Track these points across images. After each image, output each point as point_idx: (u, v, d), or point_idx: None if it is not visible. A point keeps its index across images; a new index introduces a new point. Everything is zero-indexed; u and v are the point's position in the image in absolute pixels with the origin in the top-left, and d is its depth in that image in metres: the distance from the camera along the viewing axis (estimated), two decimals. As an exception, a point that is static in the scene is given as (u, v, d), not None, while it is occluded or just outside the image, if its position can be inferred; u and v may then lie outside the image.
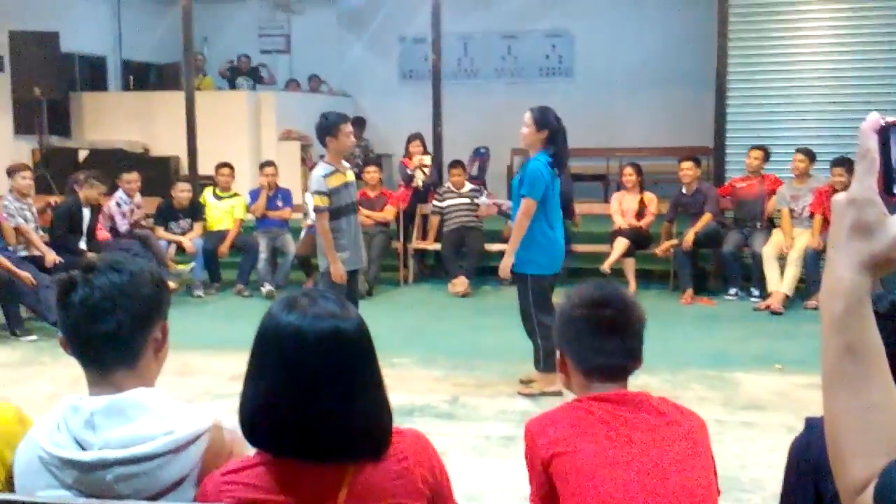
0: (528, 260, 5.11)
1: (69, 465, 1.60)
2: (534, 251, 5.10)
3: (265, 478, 1.54)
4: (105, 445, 1.59)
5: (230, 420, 1.70)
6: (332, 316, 1.58)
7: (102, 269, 1.67)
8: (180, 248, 8.68)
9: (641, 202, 8.72)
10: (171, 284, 7.52)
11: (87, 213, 7.89)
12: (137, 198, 8.75)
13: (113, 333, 1.64)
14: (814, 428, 1.85)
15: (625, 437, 1.87)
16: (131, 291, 1.66)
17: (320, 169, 5.51)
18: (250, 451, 1.65)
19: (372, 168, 9.23)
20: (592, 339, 1.98)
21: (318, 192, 5.41)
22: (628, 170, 8.85)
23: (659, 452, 1.86)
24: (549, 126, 5.12)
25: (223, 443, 1.66)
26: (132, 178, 8.65)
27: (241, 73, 13.06)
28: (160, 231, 8.76)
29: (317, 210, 5.45)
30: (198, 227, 8.88)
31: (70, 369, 1.80)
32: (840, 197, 0.98)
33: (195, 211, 8.96)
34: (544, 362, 5.11)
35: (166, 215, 8.87)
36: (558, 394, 4.80)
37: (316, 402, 1.53)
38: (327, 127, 5.46)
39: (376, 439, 1.60)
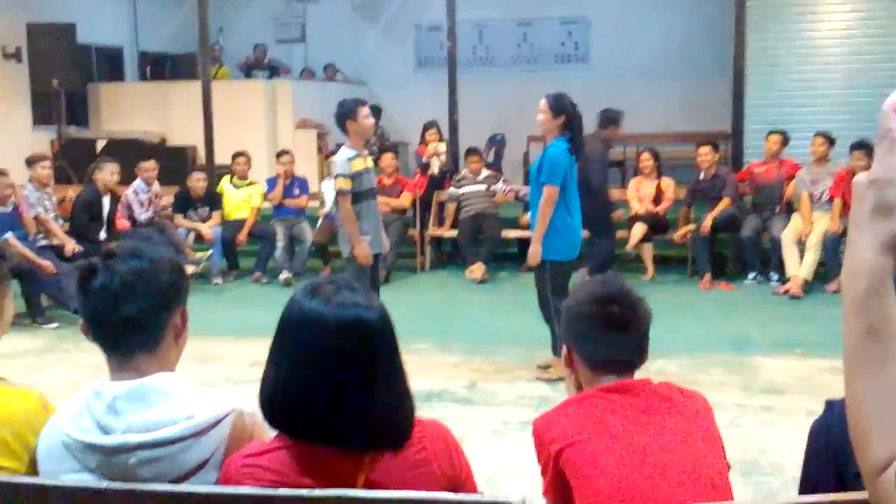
0: (548, 246, 5.12)
1: (92, 449, 1.62)
2: (554, 238, 5.12)
3: (285, 461, 1.55)
4: (127, 430, 1.61)
5: (250, 405, 1.71)
6: (355, 305, 1.58)
7: (122, 255, 1.68)
8: (199, 237, 8.73)
9: (659, 188, 8.68)
10: (189, 268, 7.57)
11: (106, 202, 7.94)
12: (156, 186, 8.79)
13: (133, 318, 1.66)
14: (834, 409, 1.84)
15: (630, 423, 1.89)
16: (151, 277, 1.67)
17: (345, 152, 5.53)
18: (270, 435, 1.66)
19: (388, 155, 9.24)
20: (599, 335, 2.00)
21: (343, 175, 5.42)
22: (645, 155, 8.81)
23: (665, 436, 1.88)
24: (565, 112, 5.12)
25: (244, 427, 1.67)
26: (149, 167, 8.68)
27: (258, 67, 13.06)
28: (179, 219, 8.81)
29: (340, 193, 5.45)
30: (216, 215, 8.93)
31: (92, 356, 1.81)
32: (861, 177, 0.97)
33: (212, 200, 9.00)
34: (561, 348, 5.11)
35: (184, 204, 8.92)
36: None
37: (335, 389, 1.54)
38: (346, 111, 5.48)
39: (396, 430, 1.60)
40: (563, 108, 5.12)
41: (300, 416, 1.56)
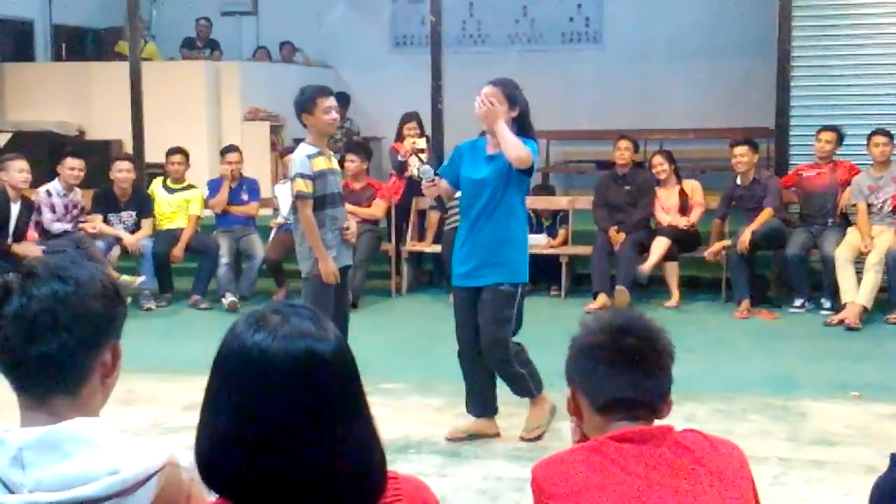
0: (518, 265, 5.08)
1: (-7, 510, 1.60)
2: (524, 254, 5.11)
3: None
4: (37, 487, 1.59)
5: (187, 457, 1.70)
6: (305, 335, 1.57)
7: (44, 275, 1.67)
8: (124, 249, 8.66)
9: (682, 194, 8.73)
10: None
11: (14, 208, 7.91)
12: (77, 193, 8.72)
13: (52, 355, 1.64)
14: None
15: (646, 481, 1.90)
16: (77, 305, 1.66)
17: (304, 149, 5.56)
18: (212, 495, 1.65)
19: (352, 157, 9.15)
20: (610, 370, 2.01)
21: (302, 176, 5.44)
22: (657, 159, 8.90)
23: (685, 498, 1.88)
24: (519, 102, 5.02)
25: (180, 484, 1.66)
26: (76, 165, 8.63)
27: (198, 47, 13.04)
28: (99, 222, 8.71)
29: (299, 196, 5.47)
30: (146, 224, 8.90)
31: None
32: None
33: (141, 202, 8.96)
34: (533, 386, 5.17)
35: (105, 205, 8.83)
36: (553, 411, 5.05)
37: (287, 441, 1.53)
38: (302, 102, 5.51)
39: (364, 489, 1.59)
40: (517, 97, 5.02)
41: (245, 475, 1.54)
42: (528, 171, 4.97)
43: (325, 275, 5.43)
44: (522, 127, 5.01)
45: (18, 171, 7.96)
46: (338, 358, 1.59)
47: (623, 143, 8.91)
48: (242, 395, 1.55)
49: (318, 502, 1.55)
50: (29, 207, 8.11)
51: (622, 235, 8.52)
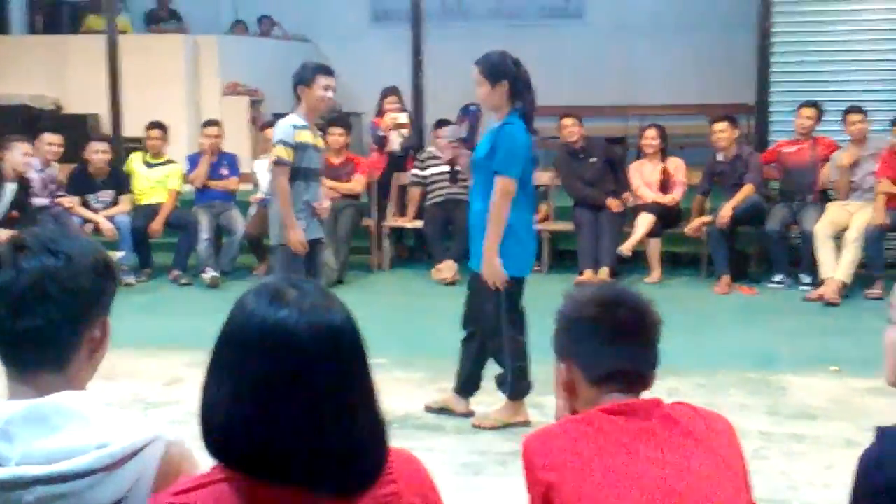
0: (505, 257, 4.78)
1: (-20, 483, 1.59)
2: (514, 245, 4.81)
3: (225, 498, 1.54)
4: (24, 460, 1.59)
5: (173, 432, 1.70)
6: (324, 309, 1.58)
7: (34, 248, 1.65)
8: (97, 230, 8.59)
9: (665, 171, 8.75)
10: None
11: (9, 189, 7.86)
12: (54, 168, 8.68)
13: (40, 330, 1.64)
14: (888, 439, 1.86)
15: (636, 453, 1.91)
16: (67, 280, 1.65)
17: (292, 118, 5.58)
18: (199, 469, 1.64)
19: (337, 130, 9.17)
20: (605, 342, 2.03)
21: (283, 143, 5.46)
22: (650, 132, 8.87)
23: (677, 468, 1.90)
24: (506, 74, 4.78)
25: (171, 460, 1.66)
26: (54, 140, 8.60)
27: (163, 19, 12.94)
28: (77, 206, 8.67)
29: (278, 162, 5.49)
30: (124, 200, 8.85)
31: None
32: None
33: (118, 180, 8.91)
34: (513, 387, 4.95)
35: (81, 185, 8.78)
36: (526, 424, 4.80)
37: (311, 415, 1.53)
38: (302, 74, 5.54)
39: (378, 457, 1.60)
40: (501, 70, 4.77)
41: (264, 450, 1.53)
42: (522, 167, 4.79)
43: (293, 243, 5.44)
44: (518, 97, 4.81)
45: (22, 153, 7.93)
46: (351, 328, 1.61)
47: (567, 121, 8.88)
48: (266, 373, 1.53)
49: (334, 474, 1.55)
50: (25, 188, 8.06)
51: (617, 202, 8.55)
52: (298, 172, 5.52)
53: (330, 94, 5.60)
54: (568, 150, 8.94)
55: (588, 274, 8.25)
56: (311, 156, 5.58)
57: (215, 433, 1.57)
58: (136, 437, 1.63)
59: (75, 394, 1.67)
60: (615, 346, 2.03)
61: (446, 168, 8.94)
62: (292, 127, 5.50)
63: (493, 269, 4.76)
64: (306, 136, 5.53)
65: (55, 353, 1.68)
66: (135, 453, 1.62)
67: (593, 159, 8.79)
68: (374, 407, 1.62)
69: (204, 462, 1.65)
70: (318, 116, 5.95)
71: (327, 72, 5.62)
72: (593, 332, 2.04)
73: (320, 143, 5.78)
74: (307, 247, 5.52)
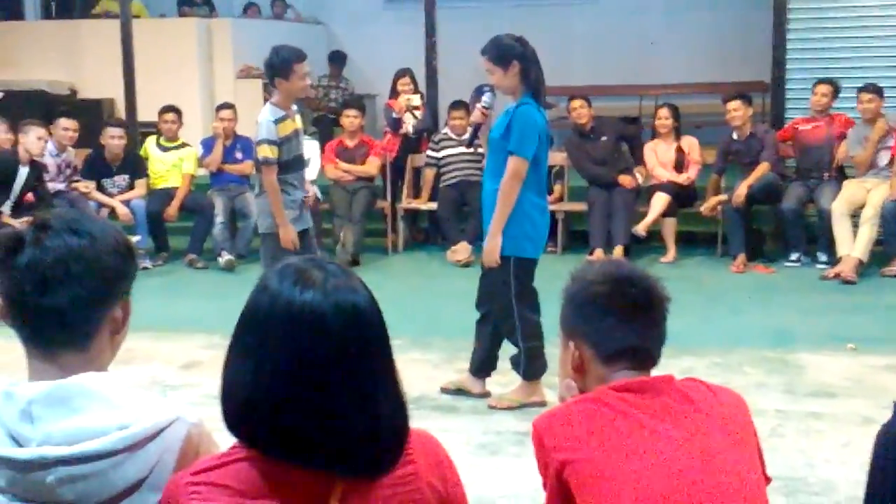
0: (512, 238, 4.79)
1: (2, 464, 1.61)
2: (521, 227, 4.80)
3: (247, 476, 1.55)
4: (45, 441, 1.59)
5: (193, 414, 1.70)
6: (349, 290, 1.58)
7: (58, 228, 1.65)
8: (113, 214, 8.63)
9: (679, 150, 8.72)
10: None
11: (23, 172, 7.90)
12: (70, 153, 8.72)
13: (63, 309, 1.64)
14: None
15: (648, 431, 1.91)
16: (91, 259, 1.65)
17: (269, 113, 5.55)
18: (219, 450, 1.65)
19: (352, 112, 9.19)
20: (619, 319, 2.03)
21: (269, 142, 5.48)
22: (663, 112, 8.84)
23: (690, 446, 1.90)
24: (513, 55, 4.79)
25: (192, 441, 1.67)
26: (70, 125, 8.63)
27: (196, 3, 12.91)
28: (93, 191, 8.72)
29: (265, 162, 5.51)
30: (140, 185, 8.88)
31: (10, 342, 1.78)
32: None
33: (134, 165, 8.94)
34: (527, 367, 4.96)
35: (97, 170, 8.82)
36: (542, 404, 4.76)
37: (337, 398, 1.53)
38: (278, 66, 5.46)
39: (401, 439, 1.61)
40: (508, 53, 4.78)
41: (288, 432, 1.54)
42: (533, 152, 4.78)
43: (284, 241, 5.47)
44: (527, 81, 4.80)
45: (37, 137, 7.97)
46: (375, 308, 1.62)
47: (576, 103, 8.87)
48: (291, 355, 1.54)
49: (355, 455, 1.56)
50: (38, 172, 8.10)
51: (629, 178, 8.54)
52: (288, 165, 5.57)
53: (307, 81, 5.62)
54: (577, 130, 8.93)
55: (599, 253, 8.24)
56: (294, 144, 5.62)
57: (237, 412, 1.58)
58: (157, 417, 1.64)
59: (97, 375, 1.68)
60: (627, 323, 2.03)
61: (465, 136, 8.92)
62: (273, 123, 5.48)
63: (491, 247, 4.81)
64: (287, 127, 5.54)
65: (78, 332, 1.68)
66: (156, 434, 1.63)
67: (604, 138, 8.77)
68: (395, 388, 1.63)
69: (223, 444, 1.66)
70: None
71: (301, 58, 5.53)
72: (604, 309, 2.04)
73: (299, 122, 5.75)
74: (297, 242, 5.55)
